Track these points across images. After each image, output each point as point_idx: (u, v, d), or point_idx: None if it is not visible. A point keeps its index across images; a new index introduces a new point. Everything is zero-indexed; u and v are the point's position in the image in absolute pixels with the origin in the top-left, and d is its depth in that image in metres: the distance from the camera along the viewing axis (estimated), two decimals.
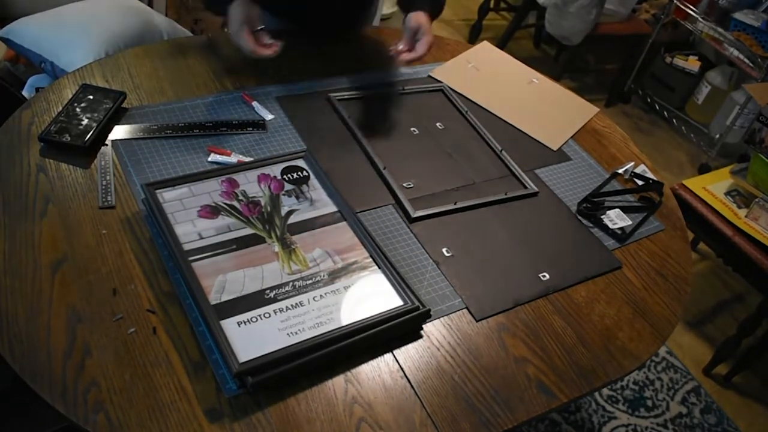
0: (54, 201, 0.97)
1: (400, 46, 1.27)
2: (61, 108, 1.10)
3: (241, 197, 1.00)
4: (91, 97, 1.13)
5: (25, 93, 1.66)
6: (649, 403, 1.80)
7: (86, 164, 1.04)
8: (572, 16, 2.69)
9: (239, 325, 0.82)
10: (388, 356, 0.87)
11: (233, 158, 1.09)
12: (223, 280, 0.87)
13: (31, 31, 1.64)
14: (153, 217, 0.95)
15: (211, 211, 0.97)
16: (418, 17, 1.27)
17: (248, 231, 0.95)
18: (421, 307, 0.90)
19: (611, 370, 0.94)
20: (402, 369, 0.86)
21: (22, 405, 1.23)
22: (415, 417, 0.82)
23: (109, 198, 0.99)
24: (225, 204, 0.98)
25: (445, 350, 0.90)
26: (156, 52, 1.32)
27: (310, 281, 0.90)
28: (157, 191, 0.97)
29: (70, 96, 1.13)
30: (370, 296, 0.90)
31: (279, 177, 1.05)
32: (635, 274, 1.10)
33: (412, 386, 0.85)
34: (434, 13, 1.33)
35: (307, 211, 1.01)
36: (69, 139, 1.04)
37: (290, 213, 0.99)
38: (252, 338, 0.81)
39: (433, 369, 0.87)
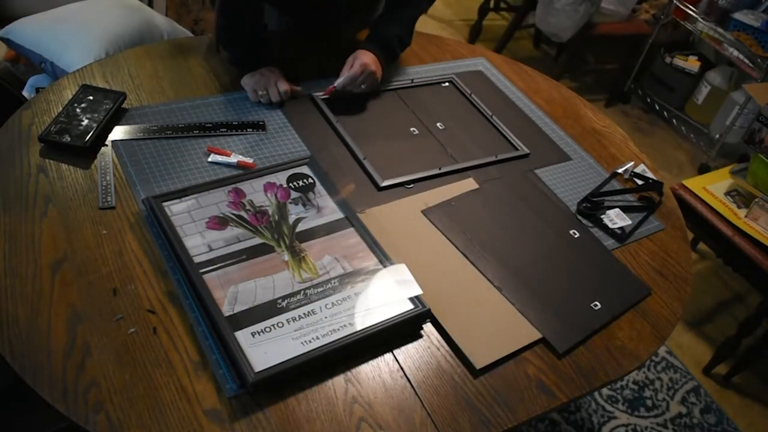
0: (54, 201, 0.97)
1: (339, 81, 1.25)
2: (61, 108, 1.10)
3: (248, 207, 1.00)
4: (91, 97, 1.13)
5: (25, 93, 1.66)
6: (649, 402, 1.80)
7: (86, 165, 1.04)
8: (558, 13, 2.65)
9: (253, 336, 0.82)
10: (388, 356, 0.87)
11: (233, 158, 1.09)
12: (235, 291, 0.87)
13: (31, 31, 1.64)
14: (159, 229, 0.94)
15: (219, 222, 0.96)
16: (363, 56, 1.25)
17: (257, 241, 0.95)
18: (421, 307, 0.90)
19: (611, 370, 0.94)
20: (402, 369, 0.86)
21: (23, 404, 1.23)
22: (415, 417, 0.82)
23: (109, 198, 0.99)
24: (233, 214, 0.98)
25: (445, 350, 0.90)
26: (156, 52, 1.32)
27: (321, 289, 0.90)
28: (165, 204, 0.97)
29: (70, 96, 1.13)
30: (381, 301, 0.90)
31: (285, 185, 1.05)
32: (635, 274, 1.10)
33: (412, 386, 0.85)
34: (386, 58, 1.30)
35: (315, 219, 1.00)
36: (69, 139, 1.04)
37: (298, 221, 0.99)
38: (266, 348, 0.81)
39: (433, 369, 0.87)
